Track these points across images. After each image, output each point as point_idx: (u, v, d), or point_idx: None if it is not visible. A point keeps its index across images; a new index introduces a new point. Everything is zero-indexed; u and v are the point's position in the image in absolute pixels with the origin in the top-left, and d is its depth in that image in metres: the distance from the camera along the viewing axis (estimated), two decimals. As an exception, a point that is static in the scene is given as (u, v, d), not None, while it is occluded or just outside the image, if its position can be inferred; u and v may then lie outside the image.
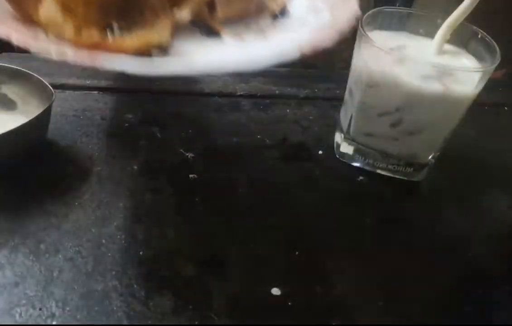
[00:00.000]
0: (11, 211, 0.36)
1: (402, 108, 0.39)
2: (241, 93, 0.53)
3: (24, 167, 0.40)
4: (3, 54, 0.58)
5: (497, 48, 0.38)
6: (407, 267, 0.36)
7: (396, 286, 0.34)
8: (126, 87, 0.53)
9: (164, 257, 0.34)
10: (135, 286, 0.32)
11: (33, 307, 0.30)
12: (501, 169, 0.47)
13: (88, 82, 0.53)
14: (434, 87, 0.37)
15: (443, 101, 0.38)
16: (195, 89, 0.54)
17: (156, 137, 0.46)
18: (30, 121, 0.37)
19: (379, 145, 0.42)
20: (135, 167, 0.42)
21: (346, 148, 0.44)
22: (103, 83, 0.53)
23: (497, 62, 0.37)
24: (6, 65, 0.44)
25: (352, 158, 0.44)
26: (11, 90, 0.44)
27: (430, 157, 0.42)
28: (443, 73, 0.37)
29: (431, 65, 0.38)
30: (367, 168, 0.44)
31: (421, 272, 0.35)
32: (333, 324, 0.31)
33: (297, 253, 0.35)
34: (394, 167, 0.43)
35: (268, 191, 0.41)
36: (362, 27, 0.39)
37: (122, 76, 0.55)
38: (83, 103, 0.50)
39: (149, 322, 0.30)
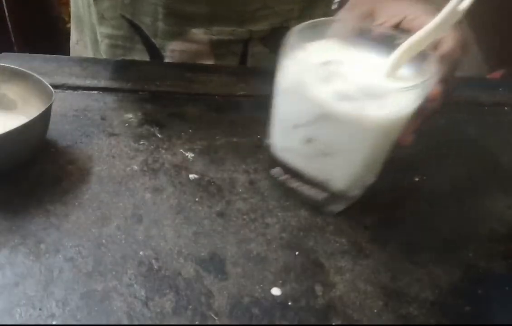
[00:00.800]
0: (11, 211, 0.36)
1: (313, 123, 0.35)
2: (241, 93, 0.53)
3: (24, 167, 0.40)
4: (3, 54, 0.58)
5: (433, 70, 0.35)
6: (407, 267, 0.36)
7: (396, 286, 0.34)
8: (126, 87, 0.53)
9: (164, 257, 0.34)
10: (135, 286, 0.32)
11: (33, 307, 0.30)
12: (501, 169, 0.47)
13: (88, 82, 0.53)
14: (348, 107, 0.33)
15: (356, 125, 0.34)
16: (195, 89, 0.54)
17: (156, 137, 0.46)
18: (30, 121, 0.37)
19: (296, 162, 0.38)
20: (135, 167, 0.42)
21: (270, 162, 0.41)
22: (103, 83, 0.53)
23: (420, 85, 0.33)
24: (6, 65, 0.44)
25: (275, 173, 0.40)
26: (11, 90, 0.44)
27: (349, 187, 0.38)
28: (364, 94, 0.33)
29: (346, 82, 0.33)
30: (288, 185, 0.40)
31: (421, 271, 0.35)
32: (333, 324, 0.31)
33: (297, 253, 0.36)
34: (310, 191, 0.39)
35: (268, 191, 0.41)
36: (290, 34, 0.35)
37: (122, 76, 0.55)
38: (83, 103, 0.50)
39: (149, 322, 0.30)
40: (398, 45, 0.36)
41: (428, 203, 0.42)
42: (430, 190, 0.43)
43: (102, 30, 0.63)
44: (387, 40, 0.38)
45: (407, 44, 0.35)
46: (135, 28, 0.61)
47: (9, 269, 0.32)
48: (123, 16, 0.61)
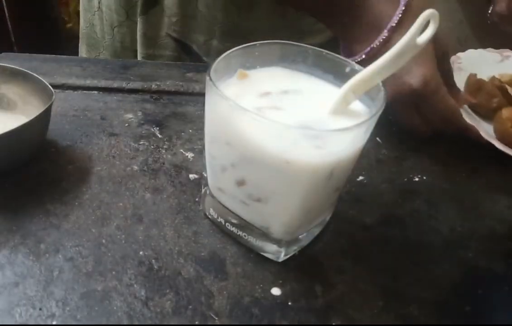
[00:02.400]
0: (11, 211, 0.36)
1: (238, 166, 0.32)
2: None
3: (24, 167, 0.40)
4: (3, 54, 0.58)
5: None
6: (406, 267, 0.36)
7: (396, 286, 0.34)
8: (126, 87, 0.53)
9: (164, 257, 0.34)
10: (135, 286, 0.32)
11: (33, 307, 0.30)
12: (501, 169, 0.47)
13: (88, 82, 0.53)
14: (277, 148, 0.29)
15: (284, 170, 0.30)
16: (195, 89, 0.54)
17: (156, 137, 0.46)
18: (30, 121, 0.37)
19: (231, 205, 0.35)
20: (135, 167, 0.42)
21: (207, 203, 0.37)
22: (103, 83, 0.53)
23: (359, 126, 0.30)
24: (6, 65, 0.44)
25: (212, 215, 0.37)
26: (11, 90, 0.44)
27: (291, 233, 0.34)
28: (298, 133, 0.30)
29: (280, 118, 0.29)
30: (226, 230, 0.36)
31: (421, 272, 0.35)
32: (333, 324, 0.31)
33: (297, 253, 0.35)
34: (247, 236, 0.35)
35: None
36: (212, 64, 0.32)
37: (122, 76, 0.55)
38: (83, 103, 0.50)
39: (149, 322, 0.30)
40: (349, 74, 0.33)
41: (428, 203, 0.42)
42: (430, 190, 0.43)
43: (143, 51, 0.62)
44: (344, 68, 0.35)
45: (354, 80, 0.32)
46: (182, 46, 0.60)
47: (9, 269, 0.32)
48: (169, 35, 0.60)
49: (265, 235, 0.34)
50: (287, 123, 0.29)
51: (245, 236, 0.35)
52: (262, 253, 0.35)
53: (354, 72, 0.34)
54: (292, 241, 0.34)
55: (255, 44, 0.35)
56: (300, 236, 0.35)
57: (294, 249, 0.35)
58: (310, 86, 0.36)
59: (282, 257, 0.34)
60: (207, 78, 0.31)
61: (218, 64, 0.32)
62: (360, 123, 0.29)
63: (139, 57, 0.64)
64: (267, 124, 0.29)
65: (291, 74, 0.37)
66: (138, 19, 0.61)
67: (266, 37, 0.35)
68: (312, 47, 0.36)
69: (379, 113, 0.30)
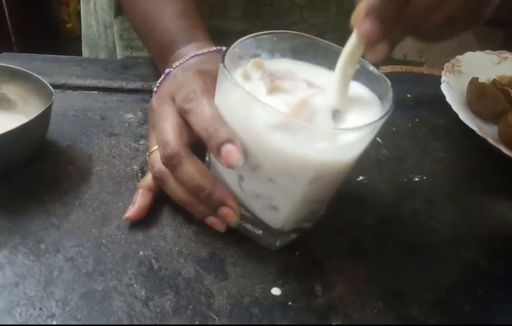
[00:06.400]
0: (11, 211, 0.36)
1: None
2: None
3: (24, 167, 0.40)
4: (3, 54, 0.58)
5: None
6: (407, 267, 0.36)
7: (396, 286, 0.34)
8: (126, 87, 0.53)
9: (164, 257, 0.34)
10: (135, 286, 0.32)
11: (33, 307, 0.30)
12: (501, 169, 0.47)
13: (88, 82, 0.53)
14: (274, 138, 0.29)
15: (286, 165, 0.30)
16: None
17: (156, 137, 0.46)
18: (30, 121, 0.37)
19: (234, 194, 0.35)
20: (135, 167, 0.42)
21: None
22: (103, 83, 0.53)
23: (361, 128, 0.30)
24: (6, 65, 0.44)
25: None
26: (11, 90, 0.44)
27: (288, 226, 0.34)
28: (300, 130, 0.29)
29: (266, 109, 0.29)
30: None
31: (421, 272, 0.35)
32: (333, 324, 0.31)
33: (297, 253, 0.35)
34: (245, 224, 0.35)
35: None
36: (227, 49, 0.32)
37: (122, 76, 0.55)
38: (83, 103, 0.50)
39: (149, 322, 0.30)
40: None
41: (428, 203, 0.42)
42: (430, 190, 0.43)
43: (121, 52, 0.63)
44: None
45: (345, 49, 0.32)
46: None
47: (9, 269, 0.32)
48: None
49: (262, 224, 0.34)
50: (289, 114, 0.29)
51: (243, 223, 0.35)
52: (258, 242, 0.35)
53: (364, 69, 0.33)
54: (288, 232, 0.35)
55: (267, 33, 0.35)
56: (296, 228, 0.35)
57: (291, 238, 0.35)
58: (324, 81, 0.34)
59: (277, 247, 0.35)
60: (221, 65, 0.30)
61: (232, 51, 0.32)
62: (362, 126, 0.29)
63: (118, 58, 0.65)
64: (277, 115, 0.29)
65: (304, 67, 0.36)
66: (114, 21, 0.62)
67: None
68: (323, 40, 0.36)
69: (388, 114, 0.30)
